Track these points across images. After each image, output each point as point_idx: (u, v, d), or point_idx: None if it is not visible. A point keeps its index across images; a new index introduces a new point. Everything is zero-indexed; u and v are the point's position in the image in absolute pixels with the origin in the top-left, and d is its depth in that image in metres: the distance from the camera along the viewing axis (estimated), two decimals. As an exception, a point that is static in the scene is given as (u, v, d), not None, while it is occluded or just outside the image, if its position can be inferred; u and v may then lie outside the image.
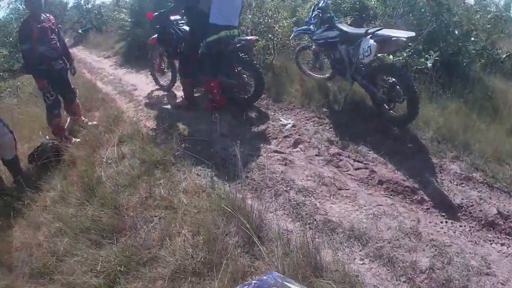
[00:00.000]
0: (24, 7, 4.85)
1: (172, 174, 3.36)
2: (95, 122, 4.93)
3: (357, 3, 7.79)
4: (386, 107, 4.17)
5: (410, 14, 6.26)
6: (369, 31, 4.00)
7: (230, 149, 3.67)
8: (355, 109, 4.52)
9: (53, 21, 4.35)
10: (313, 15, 4.96)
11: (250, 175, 3.35)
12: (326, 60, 5.33)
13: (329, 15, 4.95)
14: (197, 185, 3.14)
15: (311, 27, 4.99)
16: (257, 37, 5.15)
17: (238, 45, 4.54)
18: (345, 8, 7.69)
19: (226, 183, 3.23)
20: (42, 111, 5.28)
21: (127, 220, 2.82)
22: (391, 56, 4.67)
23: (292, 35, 5.78)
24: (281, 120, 4.46)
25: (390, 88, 4.02)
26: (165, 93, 6.01)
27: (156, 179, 3.31)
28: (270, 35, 6.12)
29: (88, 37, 18.22)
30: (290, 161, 3.58)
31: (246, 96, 4.89)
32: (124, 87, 6.82)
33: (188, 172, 3.36)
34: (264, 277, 0.95)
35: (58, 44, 4.36)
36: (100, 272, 2.38)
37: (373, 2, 7.92)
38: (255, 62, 4.72)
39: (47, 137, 4.69)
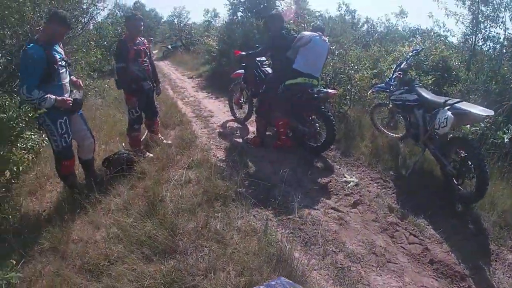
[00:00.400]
0: (125, 25, 5.39)
1: (230, 210, 3.48)
2: (169, 142, 5.28)
3: (440, 62, 7.67)
4: (455, 181, 4.02)
5: (493, 81, 6.03)
6: (448, 102, 3.92)
7: (290, 198, 3.75)
8: (422, 177, 4.38)
9: (147, 45, 4.81)
10: (394, 76, 4.98)
11: (304, 228, 3.37)
12: (401, 119, 5.30)
13: (409, 77, 4.94)
14: (251, 227, 3.22)
15: (391, 87, 5.01)
16: (336, 92, 5.21)
17: (316, 95, 4.67)
18: (427, 67, 7.61)
19: (278, 230, 3.30)
20: (124, 118, 5.74)
21: (180, 244, 2.96)
22: (468, 126, 4.52)
23: (371, 91, 5.82)
24: (345, 176, 4.45)
25: (461, 162, 3.89)
26: (239, 125, 6.30)
27: (215, 211, 3.44)
28: (349, 86, 6.20)
29: (176, 54, 19.41)
30: (345, 221, 3.56)
31: (316, 145, 4.96)
32: (201, 111, 7.24)
33: (245, 211, 3.46)
34: (272, 283, 1.01)
35: (149, 67, 4.80)
36: (146, 287, 2.51)
37: (456, 63, 7.74)
38: (329, 114, 4.79)
39: (123, 144, 5.08)
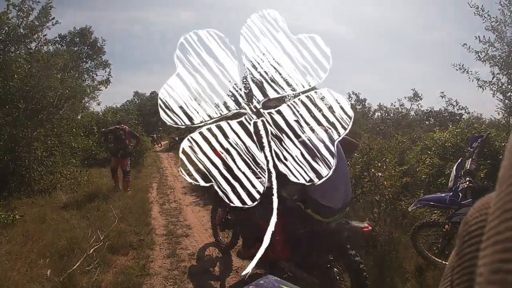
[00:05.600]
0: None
1: None
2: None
3: (486, 147, 5.36)
4: None
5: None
6: None
7: None
8: None
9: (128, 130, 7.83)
10: (461, 187, 3.27)
11: None
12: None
13: (483, 184, 3.21)
14: None
15: (459, 203, 3.27)
16: (370, 227, 2.94)
17: (334, 229, 2.81)
18: (489, 152, 5.28)
19: None
20: (71, 232, 4.54)
21: None
22: None
23: (412, 207, 3.83)
24: None
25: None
26: (220, 254, 4.31)
27: None
28: (377, 196, 4.29)
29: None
30: None
31: None
32: (178, 225, 5.44)
33: None
34: (261, 281, 1.03)
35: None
36: None
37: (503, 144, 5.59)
38: (357, 258, 2.75)
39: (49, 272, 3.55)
